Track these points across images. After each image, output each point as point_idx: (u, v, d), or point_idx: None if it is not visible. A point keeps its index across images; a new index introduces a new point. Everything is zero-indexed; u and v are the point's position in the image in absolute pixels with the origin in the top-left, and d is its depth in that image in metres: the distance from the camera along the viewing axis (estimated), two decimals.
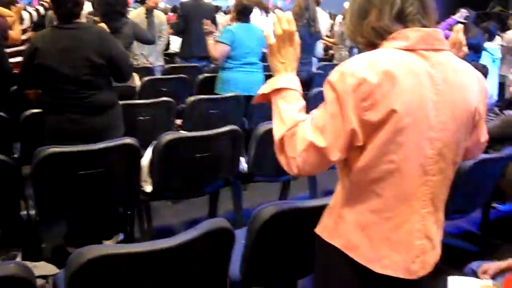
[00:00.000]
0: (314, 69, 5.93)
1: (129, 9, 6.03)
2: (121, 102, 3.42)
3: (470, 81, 1.51)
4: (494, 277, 2.31)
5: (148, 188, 3.10)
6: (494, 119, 3.71)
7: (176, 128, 4.24)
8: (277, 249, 2.15)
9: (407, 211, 1.47)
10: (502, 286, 2.16)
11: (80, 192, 2.78)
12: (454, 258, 2.39)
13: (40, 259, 2.65)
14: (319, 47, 5.79)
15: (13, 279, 1.54)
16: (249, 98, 4.44)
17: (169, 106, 4.11)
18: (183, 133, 3.30)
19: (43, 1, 6.90)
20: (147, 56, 6.36)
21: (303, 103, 1.52)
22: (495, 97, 5.47)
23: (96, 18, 4.65)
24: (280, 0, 14.18)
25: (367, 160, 1.42)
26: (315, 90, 4.77)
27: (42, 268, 2.47)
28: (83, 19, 3.80)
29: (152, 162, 3.02)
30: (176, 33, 7.20)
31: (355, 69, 1.36)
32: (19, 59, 4.25)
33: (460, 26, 2.05)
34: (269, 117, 1.65)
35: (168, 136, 2.92)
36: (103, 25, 3.95)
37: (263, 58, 4.76)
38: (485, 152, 3.68)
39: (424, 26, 1.45)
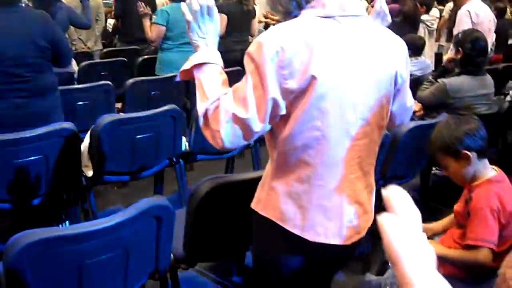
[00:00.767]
0: None
1: None
2: (59, 88, 3.35)
3: (390, 45, 1.55)
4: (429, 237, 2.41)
5: (90, 172, 3.06)
6: (429, 87, 3.81)
7: (117, 112, 4.18)
8: (217, 223, 2.17)
9: (336, 177, 1.49)
10: (439, 241, 2.26)
11: (18, 182, 2.72)
12: None
13: None
14: (254, 25, 5.74)
15: None
16: None
17: (108, 89, 4.04)
18: (123, 115, 3.27)
19: None
20: (85, 41, 6.23)
21: (224, 77, 1.53)
22: (432, 67, 5.61)
23: (29, 3, 4.52)
24: None
25: (292, 128, 1.43)
26: None
27: None
28: None
29: (91, 146, 2.99)
30: (115, 16, 7.06)
31: (273, 39, 1.38)
32: None
33: None
34: None
35: (106, 118, 2.88)
36: None
37: None
38: (422, 119, 3.81)
39: None
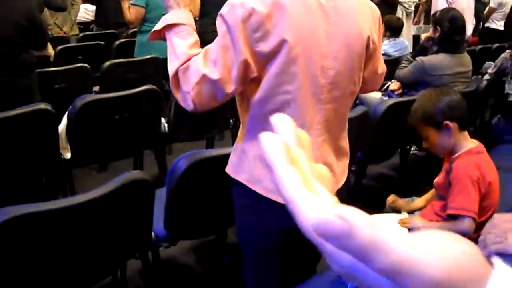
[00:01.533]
0: None
1: None
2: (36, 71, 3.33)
3: (362, 10, 1.54)
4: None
5: (68, 155, 3.02)
6: (407, 66, 3.83)
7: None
8: (198, 199, 2.16)
9: None
10: (420, 215, 2.28)
11: None
12: (374, 201, 2.48)
13: None
14: None
15: None
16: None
17: (85, 72, 3.98)
18: (100, 95, 3.22)
19: None
20: (61, 26, 6.14)
21: (196, 38, 1.52)
22: (410, 48, 5.63)
23: None
24: None
25: (263, 91, 1.44)
26: None
27: None
28: None
29: (68, 128, 2.94)
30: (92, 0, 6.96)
31: (244, 1, 1.37)
32: None
33: None
34: None
35: (84, 98, 2.84)
36: None
37: None
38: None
39: None
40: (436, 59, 3.64)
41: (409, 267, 0.36)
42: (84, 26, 7.42)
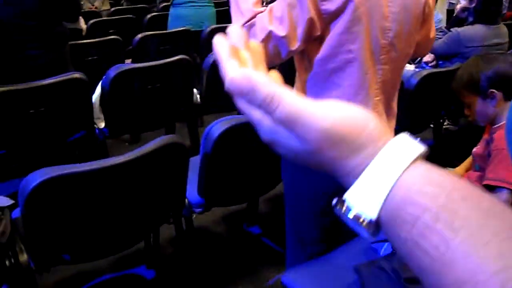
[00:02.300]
0: None
1: None
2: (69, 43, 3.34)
3: None
4: None
5: (102, 124, 3.06)
6: (441, 37, 3.75)
7: None
8: (232, 166, 2.17)
9: (364, 99, 1.52)
10: None
11: (29, 132, 2.71)
12: None
13: None
14: None
15: None
16: (199, 33, 4.38)
17: (117, 44, 4.01)
18: (133, 64, 3.24)
19: None
20: (92, 1, 6.18)
21: None
22: (444, 22, 5.52)
23: None
24: None
25: (326, 50, 1.46)
26: None
27: None
28: None
29: (102, 97, 2.97)
30: None
31: None
32: None
33: None
34: None
35: (118, 68, 2.86)
36: None
37: None
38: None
39: None
40: (472, 30, 3.56)
41: (301, 117, 0.41)
42: (115, 1, 7.46)
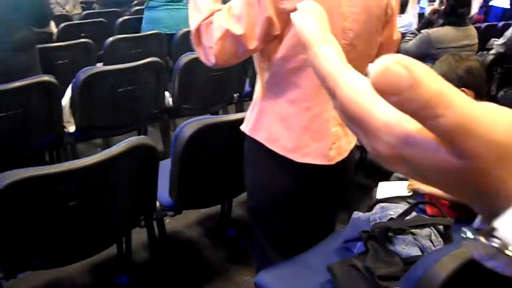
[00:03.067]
0: None
1: None
2: (38, 46, 3.27)
3: None
4: None
5: (72, 128, 3.01)
6: (412, 39, 3.79)
7: None
8: (203, 167, 2.15)
9: (323, 100, 1.51)
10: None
11: None
12: (379, 174, 2.47)
13: None
14: None
15: None
16: (172, 36, 4.36)
17: (88, 48, 3.96)
18: (104, 67, 3.19)
19: None
20: (63, 5, 6.10)
21: None
22: (414, 25, 5.58)
23: None
24: None
25: (286, 50, 1.44)
26: None
27: None
28: None
29: (72, 101, 2.92)
30: None
31: None
32: None
33: None
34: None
35: (87, 71, 2.82)
36: None
37: None
38: None
39: None
40: (442, 32, 3.61)
41: (474, 124, 0.30)
42: (86, 5, 7.38)
